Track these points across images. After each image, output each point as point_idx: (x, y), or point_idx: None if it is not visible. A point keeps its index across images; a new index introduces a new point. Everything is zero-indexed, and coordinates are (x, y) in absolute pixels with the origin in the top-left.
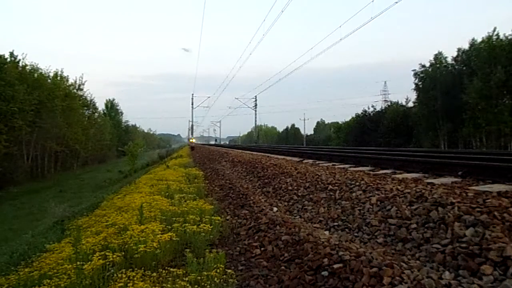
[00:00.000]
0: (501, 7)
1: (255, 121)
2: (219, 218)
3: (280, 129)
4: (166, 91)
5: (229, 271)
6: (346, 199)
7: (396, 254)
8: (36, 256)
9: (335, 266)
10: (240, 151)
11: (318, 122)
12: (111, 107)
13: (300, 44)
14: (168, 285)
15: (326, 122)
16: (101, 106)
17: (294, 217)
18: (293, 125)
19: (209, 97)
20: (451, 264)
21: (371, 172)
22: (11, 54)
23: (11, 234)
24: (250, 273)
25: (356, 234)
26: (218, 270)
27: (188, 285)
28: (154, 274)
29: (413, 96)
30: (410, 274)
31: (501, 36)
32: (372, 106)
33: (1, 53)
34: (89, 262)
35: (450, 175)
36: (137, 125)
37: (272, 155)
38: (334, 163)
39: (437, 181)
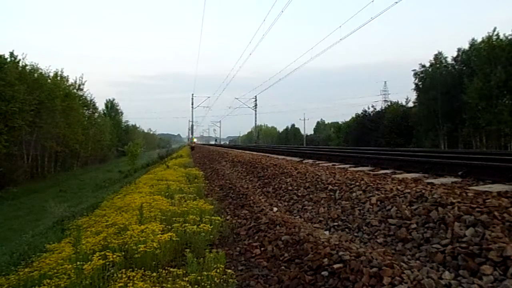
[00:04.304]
0: (501, 7)
1: (255, 121)
2: (219, 218)
3: (280, 129)
4: (166, 91)
5: (229, 271)
6: (346, 199)
7: (396, 254)
8: (36, 256)
9: (335, 266)
10: (240, 151)
11: (318, 122)
12: (111, 107)
13: (300, 44)
14: (168, 285)
15: (326, 122)
16: (101, 106)
17: (294, 217)
18: (293, 125)
19: (209, 97)
20: (451, 264)
21: (371, 172)
22: (11, 54)
23: (11, 234)
24: (250, 273)
25: (356, 234)
26: (218, 270)
27: (188, 285)
28: (154, 274)
29: (413, 96)
30: (410, 274)
31: (501, 36)
32: (372, 106)
33: (1, 53)
34: (89, 262)
35: (450, 175)
36: (137, 125)
37: (272, 155)
38: (334, 163)
39: (437, 181)
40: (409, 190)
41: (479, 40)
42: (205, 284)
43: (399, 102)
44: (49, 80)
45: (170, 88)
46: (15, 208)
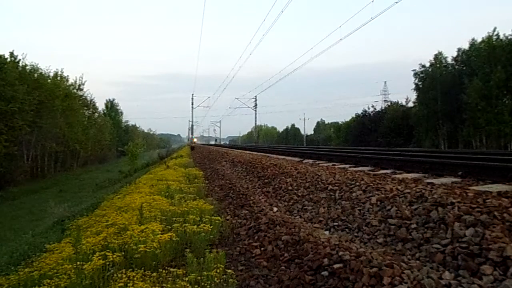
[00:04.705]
0: (501, 7)
1: (255, 121)
2: (219, 218)
3: (280, 129)
4: (166, 91)
5: (229, 271)
6: (346, 199)
7: (396, 254)
8: (36, 256)
9: (335, 266)
10: (240, 151)
11: (318, 122)
12: (111, 107)
13: (300, 44)
14: (168, 285)
15: (326, 122)
16: (101, 106)
17: (294, 217)
18: (293, 125)
19: (209, 97)
20: (451, 264)
21: (371, 172)
22: (11, 54)
23: (11, 234)
24: (250, 273)
25: (356, 234)
26: (218, 270)
27: (188, 285)
28: (154, 274)
29: (413, 96)
30: (410, 274)
31: (501, 36)
32: (372, 106)
33: (1, 53)
34: (89, 262)
35: (450, 175)
36: (137, 125)
37: (272, 155)
38: (334, 163)
39: (437, 181)
40: (409, 190)
41: (479, 40)
42: (205, 284)
43: (399, 102)
44: (49, 80)
45: (170, 88)
46: (15, 208)
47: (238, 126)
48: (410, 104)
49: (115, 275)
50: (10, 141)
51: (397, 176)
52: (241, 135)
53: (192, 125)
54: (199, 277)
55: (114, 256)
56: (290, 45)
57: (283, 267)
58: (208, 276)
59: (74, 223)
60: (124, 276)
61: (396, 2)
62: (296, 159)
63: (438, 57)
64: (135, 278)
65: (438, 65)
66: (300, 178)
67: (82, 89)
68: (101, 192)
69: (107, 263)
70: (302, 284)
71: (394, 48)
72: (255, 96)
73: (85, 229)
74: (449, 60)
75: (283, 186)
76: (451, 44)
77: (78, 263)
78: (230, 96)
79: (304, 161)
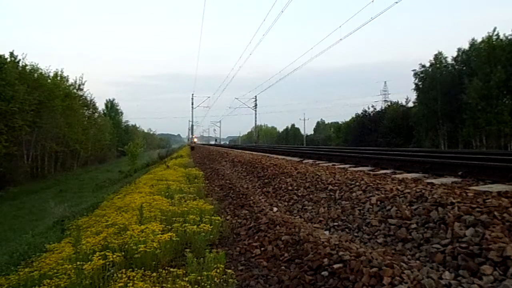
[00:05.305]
0: (501, 7)
1: (255, 121)
2: (219, 218)
3: (280, 129)
4: (166, 91)
5: (229, 271)
6: (346, 199)
7: (396, 254)
8: (36, 256)
9: (335, 266)
10: (240, 151)
11: (318, 122)
12: (111, 107)
13: (300, 44)
14: (168, 285)
15: (326, 122)
16: (101, 106)
17: (294, 217)
18: (293, 125)
19: (209, 97)
20: (451, 264)
21: (371, 172)
22: (11, 54)
23: (11, 234)
24: (250, 273)
25: (356, 234)
26: (218, 270)
27: (188, 285)
28: (154, 274)
29: (413, 96)
30: (410, 274)
31: (501, 36)
32: (372, 106)
33: (1, 53)
34: (89, 262)
35: (450, 175)
36: (137, 125)
37: (272, 155)
38: (334, 163)
39: (437, 181)
40: (409, 190)
41: (479, 40)
42: (205, 284)
43: (399, 102)
44: (49, 80)
45: (170, 88)
46: (15, 208)
47: (238, 126)
48: (410, 104)
49: (115, 275)
50: (10, 141)
51: (397, 176)
52: (241, 135)
53: (192, 125)
54: (199, 277)
55: (114, 256)
56: (290, 45)
57: (283, 267)
58: (208, 276)
59: (74, 223)
60: (124, 276)
61: (396, 2)
62: (296, 159)
63: (438, 57)
64: (135, 278)
65: (438, 65)
66: (300, 178)
67: (82, 89)
68: (101, 192)
69: (107, 263)
70: (302, 284)
71: (394, 48)
72: (255, 96)
73: (85, 229)
74: (449, 60)
75: (283, 186)
76: (451, 44)
77: (78, 263)
78: (230, 96)
79: (304, 161)
